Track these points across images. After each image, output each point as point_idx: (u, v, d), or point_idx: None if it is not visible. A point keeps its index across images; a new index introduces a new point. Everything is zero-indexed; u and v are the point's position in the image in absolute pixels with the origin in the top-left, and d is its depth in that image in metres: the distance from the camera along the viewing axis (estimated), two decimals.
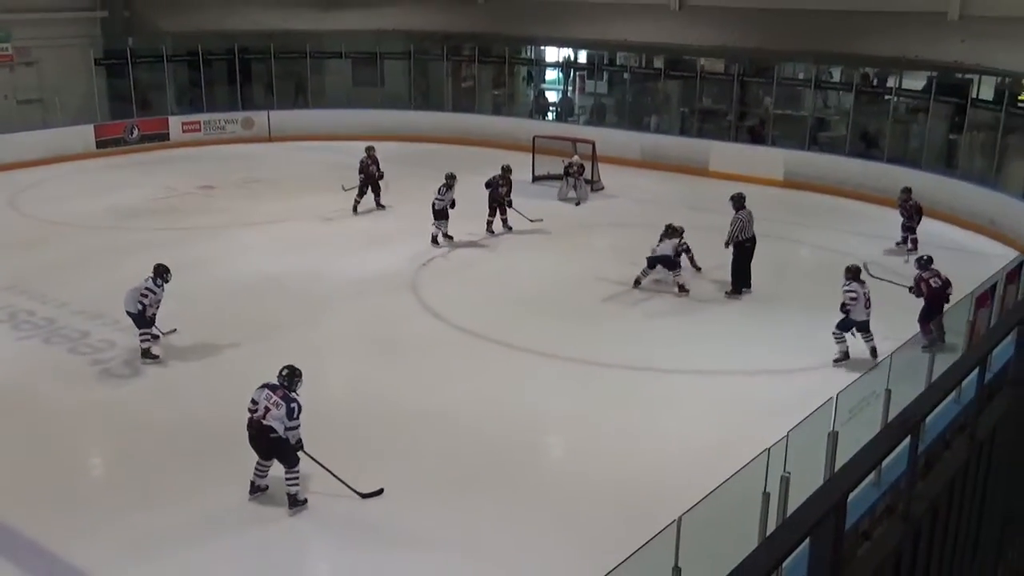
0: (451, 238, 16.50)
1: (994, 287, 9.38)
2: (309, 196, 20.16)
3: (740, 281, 14.05)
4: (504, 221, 17.46)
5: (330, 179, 22.03)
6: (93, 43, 27.57)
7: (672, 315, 13.45)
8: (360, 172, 18.48)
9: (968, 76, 19.48)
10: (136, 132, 26.28)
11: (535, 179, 21.20)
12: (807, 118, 22.49)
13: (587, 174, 20.66)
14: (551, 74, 28.29)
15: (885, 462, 4.66)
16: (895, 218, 16.75)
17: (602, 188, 20.79)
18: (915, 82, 21.00)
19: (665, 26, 24.03)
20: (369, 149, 18.73)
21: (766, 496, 6.08)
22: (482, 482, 8.91)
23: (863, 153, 21.47)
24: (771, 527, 6.21)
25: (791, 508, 6.15)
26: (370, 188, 18.57)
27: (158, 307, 11.47)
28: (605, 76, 26.73)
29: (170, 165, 23.72)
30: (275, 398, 8.14)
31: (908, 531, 4.69)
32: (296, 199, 19.84)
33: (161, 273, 11.47)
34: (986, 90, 19.28)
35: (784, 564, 4.08)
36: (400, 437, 9.73)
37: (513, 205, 17.45)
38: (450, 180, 16.33)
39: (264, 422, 8.10)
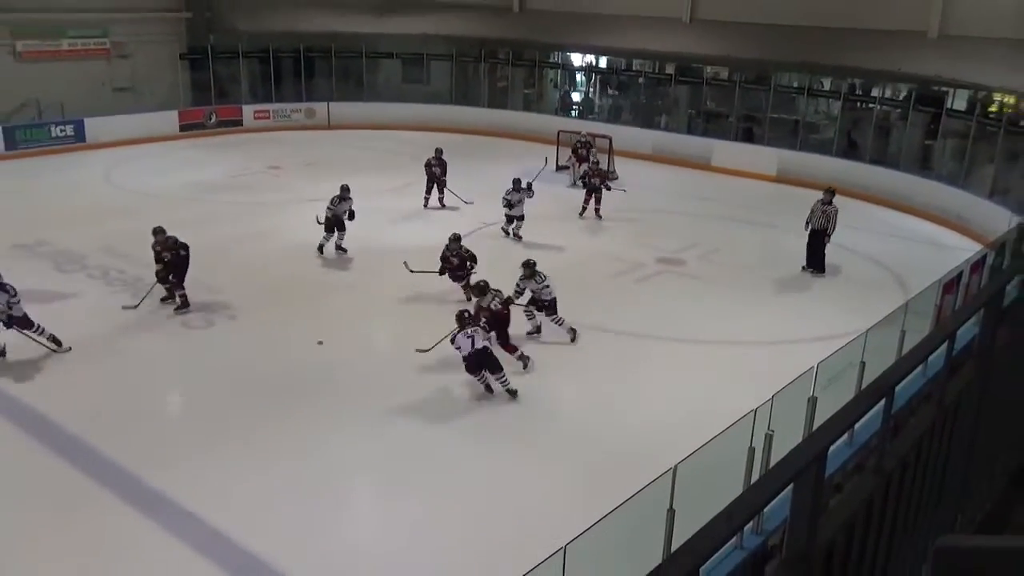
0: (344, 250, 14.27)
1: (959, 276, 9.22)
2: (361, 177, 20.05)
3: (815, 263, 13.99)
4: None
5: (379, 162, 22.09)
6: (179, 40, 27.59)
7: (674, 293, 13.28)
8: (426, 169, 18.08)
9: (944, 89, 19.13)
10: (214, 118, 26.33)
11: (558, 168, 21.04)
12: (799, 122, 22.20)
13: (603, 165, 20.51)
14: (575, 77, 28.07)
15: (857, 425, 4.60)
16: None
17: (616, 178, 20.60)
18: (897, 93, 20.67)
19: (677, 37, 23.76)
20: (437, 151, 18.21)
21: (751, 451, 6.02)
22: (510, 430, 8.88)
23: (848, 154, 21.15)
24: (755, 479, 6.18)
25: (774, 462, 6.13)
26: (435, 186, 18.12)
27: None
28: (622, 80, 26.50)
29: (243, 147, 23.75)
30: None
31: (880, 483, 4.63)
32: (349, 179, 19.73)
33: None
34: (960, 102, 18.93)
35: (765, 510, 4.04)
36: (436, 384, 9.73)
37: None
38: (344, 192, 14.26)
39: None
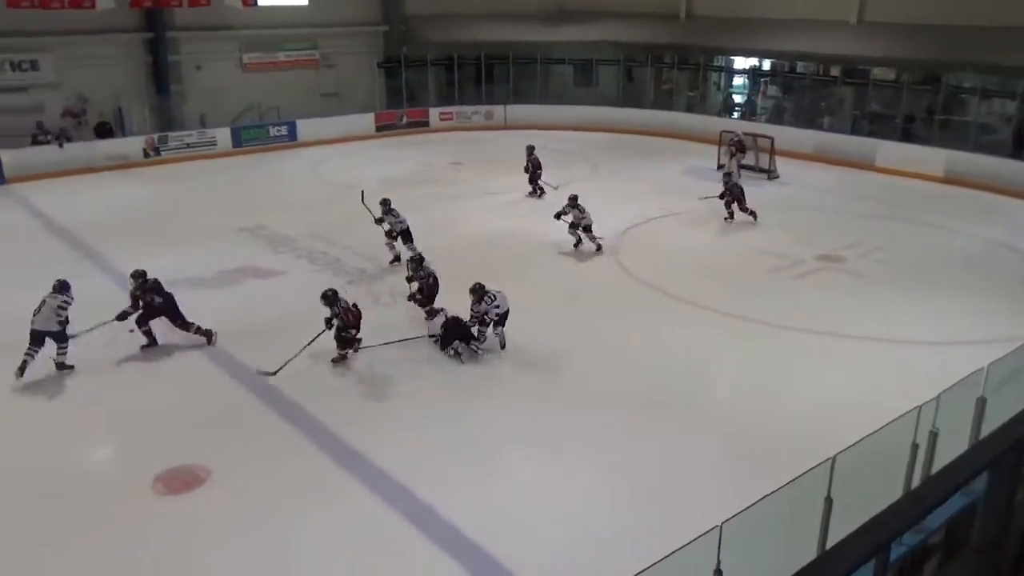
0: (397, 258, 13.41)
1: None
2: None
3: None
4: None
5: (550, 159, 22.18)
6: (377, 51, 28.86)
7: (834, 289, 12.58)
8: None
9: None
10: (405, 119, 27.36)
11: (719, 167, 20.42)
12: (970, 122, 20.42)
13: (765, 163, 19.77)
14: (738, 79, 27.10)
15: None
16: None
17: (777, 176, 19.75)
18: None
19: (843, 39, 22.41)
20: (530, 148, 18.37)
21: (914, 447, 5.64)
22: (647, 411, 8.73)
23: (1021, 155, 19.24)
24: (916, 477, 5.77)
25: (937, 461, 5.70)
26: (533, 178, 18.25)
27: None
28: (785, 81, 25.33)
29: (429, 146, 24.54)
30: None
31: None
32: (522, 175, 20.04)
33: (66, 288, 9.87)
34: None
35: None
36: (587, 365, 9.71)
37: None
38: (385, 205, 13.56)
39: None
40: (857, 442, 5.22)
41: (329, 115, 26.07)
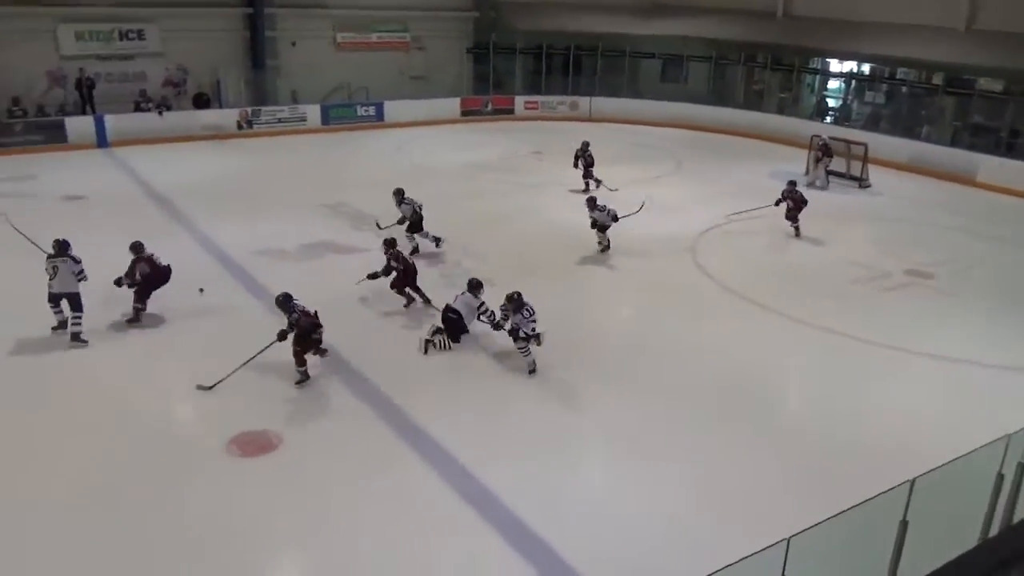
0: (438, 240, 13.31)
1: None
2: (615, 166, 20.14)
3: None
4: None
5: (633, 154, 21.98)
6: (467, 36, 29.05)
7: (920, 306, 12.08)
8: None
9: None
10: (490, 106, 27.47)
11: (807, 172, 19.84)
12: None
13: (857, 171, 19.14)
14: (833, 83, 26.26)
15: None
16: None
17: (869, 186, 19.08)
18: None
19: (948, 46, 21.37)
20: (584, 144, 18.04)
21: (999, 478, 5.38)
22: (716, 415, 8.57)
23: None
24: (1000, 508, 5.52)
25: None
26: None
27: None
28: (884, 88, 24.40)
29: (512, 133, 24.58)
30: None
31: None
32: (603, 168, 19.85)
33: (66, 248, 9.83)
34: None
35: None
36: (658, 365, 9.58)
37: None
38: (398, 195, 13.30)
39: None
40: (940, 466, 5.02)
41: (416, 98, 26.40)
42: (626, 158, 21.30)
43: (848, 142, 19.72)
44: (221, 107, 23.80)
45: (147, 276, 10.18)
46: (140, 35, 23.05)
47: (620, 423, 8.32)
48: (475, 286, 9.87)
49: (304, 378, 8.84)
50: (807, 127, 22.36)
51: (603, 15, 27.51)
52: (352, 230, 14.36)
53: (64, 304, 9.75)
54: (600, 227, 13.37)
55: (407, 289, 10.90)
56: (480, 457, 7.48)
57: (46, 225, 13.84)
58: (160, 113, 22.18)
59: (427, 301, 10.93)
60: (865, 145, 19.38)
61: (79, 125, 21.08)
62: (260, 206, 15.68)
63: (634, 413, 8.49)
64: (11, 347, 9.57)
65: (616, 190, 17.12)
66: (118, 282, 10.11)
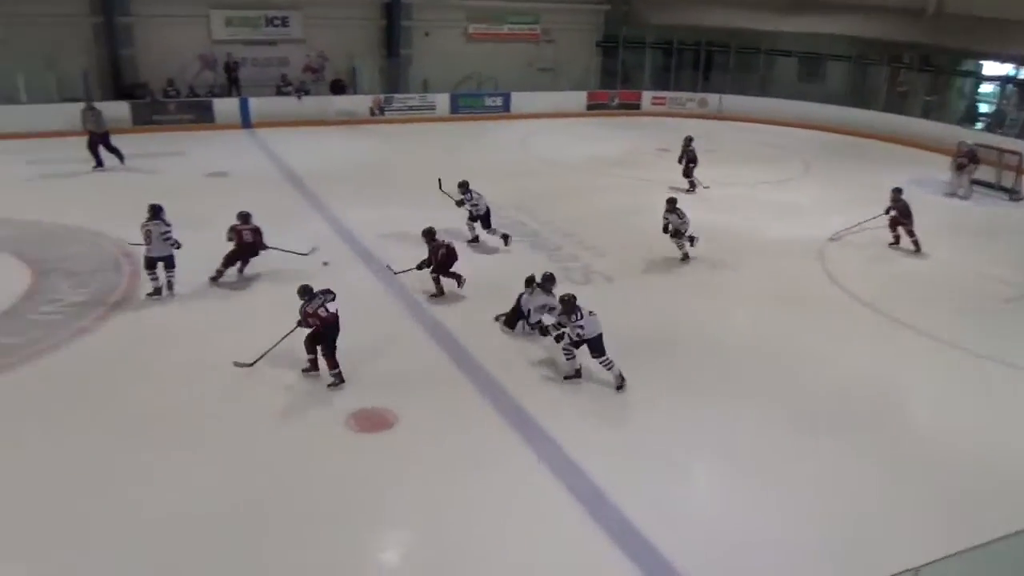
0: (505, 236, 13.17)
1: None
2: (742, 167, 19.63)
3: None
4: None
5: (762, 155, 21.31)
6: (596, 29, 28.89)
7: None
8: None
9: None
10: (616, 100, 27.24)
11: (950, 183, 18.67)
12: None
13: (1008, 183, 17.84)
14: (987, 86, 24.54)
15: None
16: None
17: (1021, 198, 17.77)
18: None
19: None
20: (687, 139, 17.49)
21: None
22: (845, 428, 8.16)
23: None
24: None
25: None
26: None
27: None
28: None
29: (637, 129, 24.28)
30: None
31: None
32: (730, 168, 19.38)
33: (159, 211, 10.61)
34: None
35: None
36: (788, 373, 9.23)
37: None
38: (463, 187, 13.23)
39: None
40: None
41: (543, 90, 26.47)
42: (753, 158, 20.70)
43: (1000, 150, 18.41)
44: (355, 93, 24.61)
45: (241, 245, 11.05)
46: (284, 22, 24.12)
47: (737, 431, 8.07)
48: (548, 279, 9.65)
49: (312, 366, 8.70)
50: (954, 133, 20.97)
51: (739, 10, 26.71)
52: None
53: (160, 268, 10.47)
54: (674, 232, 12.58)
55: (442, 277, 10.84)
56: (593, 457, 7.41)
57: (191, 198, 14.79)
58: (299, 97, 23.16)
59: (459, 281, 10.98)
60: (1020, 155, 18.03)
61: (225, 106, 22.29)
62: (387, 191, 16.13)
63: (752, 422, 8.22)
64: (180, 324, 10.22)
65: (708, 187, 16.81)
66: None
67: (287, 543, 6.21)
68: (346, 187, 16.17)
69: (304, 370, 8.72)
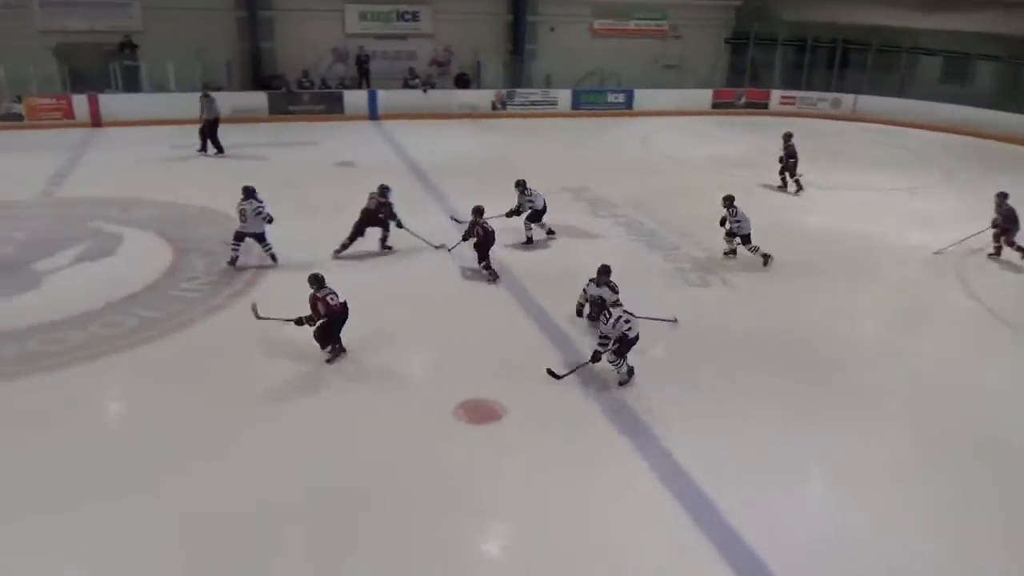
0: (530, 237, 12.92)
1: None
2: (874, 171, 18.68)
3: None
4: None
5: (896, 160, 20.25)
6: (726, 26, 28.13)
7: None
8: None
9: None
10: (743, 99, 26.48)
11: None
12: None
13: None
14: None
15: None
16: None
17: None
18: None
19: None
20: (787, 135, 16.75)
21: None
22: (974, 455, 7.62)
23: None
24: None
25: None
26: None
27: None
28: None
29: (763, 129, 23.44)
30: None
31: None
32: (862, 173, 18.49)
33: (253, 192, 11.29)
34: None
35: None
36: (904, 393, 8.71)
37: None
38: (520, 186, 12.86)
39: None
40: None
41: (667, 87, 26.04)
42: (886, 163, 19.69)
43: None
44: (479, 88, 24.94)
45: (364, 215, 11.86)
46: (415, 16, 24.71)
47: (857, 447, 7.68)
48: (602, 272, 9.30)
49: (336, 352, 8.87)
50: None
51: (879, 7, 25.37)
52: (592, 216, 14.46)
53: (245, 243, 11.28)
54: (729, 231, 12.12)
55: (481, 259, 11.20)
56: (701, 465, 7.21)
57: (321, 186, 15.38)
58: (425, 91, 23.68)
59: (491, 274, 11.18)
60: None
61: (355, 98, 23.07)
62: (507, 185, 16.19)
63: (875, 439, 7.80)
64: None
65: (801, 190, 16.25)
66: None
67: (387, 525, 6.34)
68: (467, 180, 16.40)
69: (328, 360, 8.77)
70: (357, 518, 6.44)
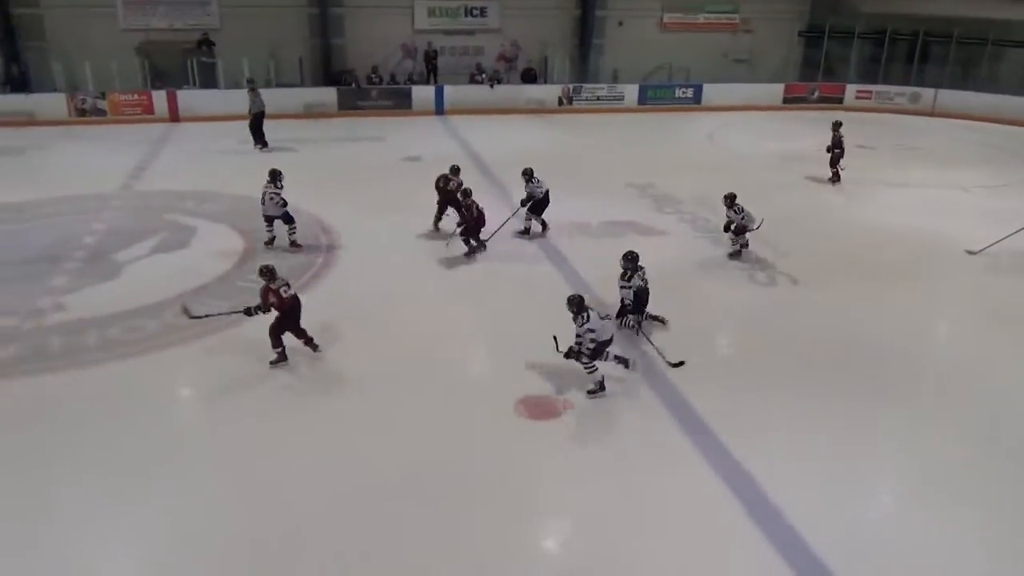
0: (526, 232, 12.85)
1: None
2: (953, 168, 17.97)
3: None
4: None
5: (978, 156, 19.44)
6: (800, 18, 27.43)
7: None
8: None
9: None
10: (816, 94, 25.79)
11: None
12: None
13: None
14: None
15: None
16: None
17: None
18: None
19: None
20: (836, 124, 16.43)
21: None
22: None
23: None
24: None
25: None
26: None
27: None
28: None
29: None
30: None
31: None
32: (942, 170, 17.79)
33: (277, 176, 11.85)
34: None
35: None
36: (977, 400, 8.33)
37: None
38: (527, 175, 12.82)
39: None
40: None
41: (736, 81, 25.52)
42: (967, 159, 18.92)
43: None
44: (545, 83, 24.88)
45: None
46: (483, 12, 24.79)
47: (927, 454, 7.38)
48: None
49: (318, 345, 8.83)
50: None
51: None
52: (656, 212, 14.27)
53: (276, 224, 11.85)
54: (735, 230, 11.79)
55: (471, 240, 11.66)
56: (765, 466, 7.03)
57: (388, 180, 15.55)
58: (491, 86, 23.74)
59: (478, 246, 11.75)
60: None
61: (422, 93, 23.29)
62: (571, 181, 16.13)
63: (949, 446, 7.49)
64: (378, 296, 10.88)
65: (838, 182, 16.06)
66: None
67: (444, 518, 6.37)
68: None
69: (272, 362, 8.55)
70: (414, 513, 6.48)
